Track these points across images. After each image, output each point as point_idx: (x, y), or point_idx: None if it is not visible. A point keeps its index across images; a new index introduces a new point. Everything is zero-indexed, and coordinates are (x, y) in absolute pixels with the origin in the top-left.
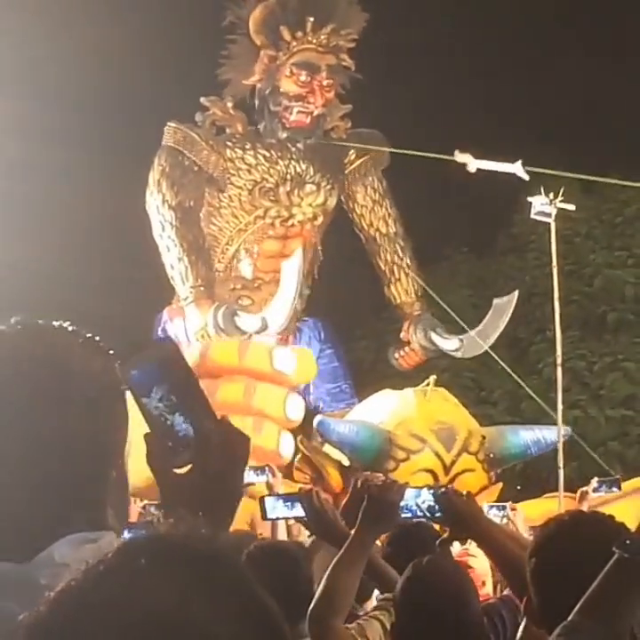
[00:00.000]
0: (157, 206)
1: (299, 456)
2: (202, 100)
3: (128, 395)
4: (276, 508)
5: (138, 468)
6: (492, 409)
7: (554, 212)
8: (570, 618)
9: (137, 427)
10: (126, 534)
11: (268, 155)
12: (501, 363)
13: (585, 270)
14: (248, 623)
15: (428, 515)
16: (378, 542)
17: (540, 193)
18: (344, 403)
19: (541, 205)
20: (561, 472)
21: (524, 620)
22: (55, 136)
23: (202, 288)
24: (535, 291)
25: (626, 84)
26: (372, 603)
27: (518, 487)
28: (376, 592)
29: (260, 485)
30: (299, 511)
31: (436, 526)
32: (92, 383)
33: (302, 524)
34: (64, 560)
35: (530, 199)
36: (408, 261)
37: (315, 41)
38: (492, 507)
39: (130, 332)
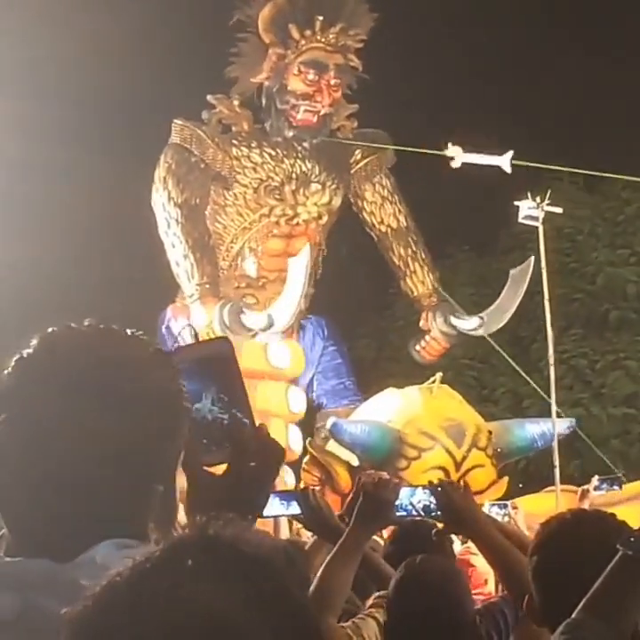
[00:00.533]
0: (163, 203)
1: (307, 457)
2: (208, 97)
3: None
4: (272, 506)
5: None
6: (493, 407)
7: (541, 215)
8: (573, 615)
9: None
10: None
11: (273, 153)
12: (500, 349)
13: (587, 268)
14: (289, 627)
15: (422, 514)
16: (381, 541)
17: (527, 197)
18: (347, 399)
19: (529, 209)
20: (557, 471)
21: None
22: (59, 135)
23: (207, 285)
24: (537, 288)
25: (629, 82)
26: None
27: (520, 485)
28: None
29: None
30: (295, 509)
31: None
32: (157, 394)
33: (299, 521)
34: (105, 562)
35: (517, 203)
36: (422, 254)
37: (323, 40)
38: (493, 505)
39: (138, 326)
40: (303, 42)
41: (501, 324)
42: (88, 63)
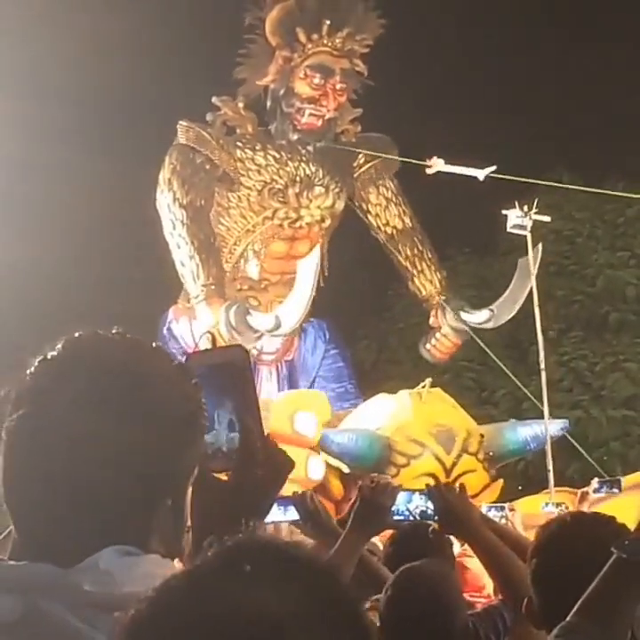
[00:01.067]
0: (168, 204)
1: None
2: (214, 99)
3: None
4: (271, 512)
5: None
6: (493, 409)
7: (529, 224)
8: (568, 619)
9: None
10: None
11: (277, 156)
12: (489, 351)
13: (587, 271)
14: (346, 631)
15: (419, 519)
16: (380, 544)
17: (515, 206)
18: (349, 402)
19: (517, 218)
20: (551, 474)
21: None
22: (61, 135)
23: (213, 286)
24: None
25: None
26: None
27: (520, 487)
28: None
29: None
30: (293, 514)
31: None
32: (175, 409)
33: (297, 527)
34: (108, 568)
35: (505, 212)
36: (428, 254)
37: (330, 44)
38: (490, 508)
39: (134, 332)
40: (310, 45)
41: (512, 314)
42: (91, 64)
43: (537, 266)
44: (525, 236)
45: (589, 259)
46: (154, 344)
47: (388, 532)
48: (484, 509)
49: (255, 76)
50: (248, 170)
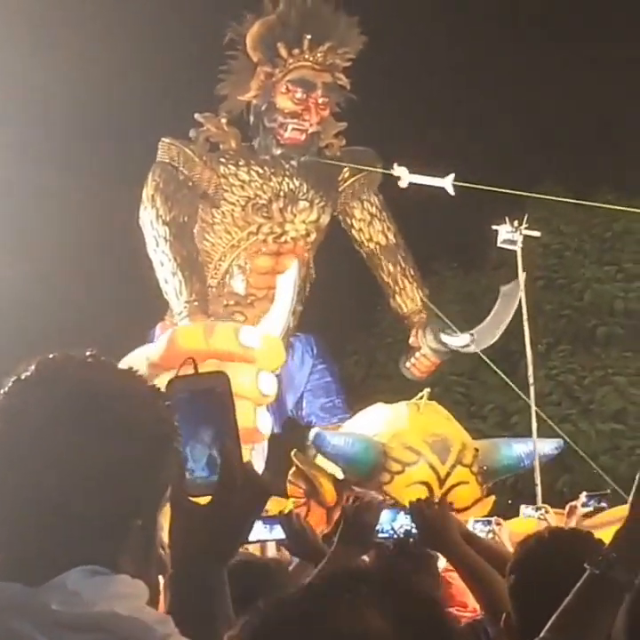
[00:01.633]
0: (151, 221)
1: (292, 469)
2: (196, 116)
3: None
4: (256, 531)
5: None
6: (482, 423)
7: (520, 239)
8: (541, 635)
9: None
10: None
11: (261, 171)
12: (491, 364)
13: (575, 285)
14: None
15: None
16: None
17: (506, 221)
18: (337, 417)
19: (507, 233)
20: (538, 489)
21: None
22: (45, 155)
23: (196, 303)
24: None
25: (620, 102)
26: None
27: (509, 501)
28: None
29: None
30: (279, 533)
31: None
32: (148, 429)
33: (283, 546)
34: (76, 588)
35: (495, 227)
36: (411, 271)
37: (311, 59)
38: (477, 521)
39: (122, 349)
40: (291, 60)
41: (492, 341)
42: (72, 83)
43: (520, 293)
44: (514, 252)
45: (577, 273)
46: (125, 367)
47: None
48: (470, 523)
49: (237, 92)
50: (231, 185)
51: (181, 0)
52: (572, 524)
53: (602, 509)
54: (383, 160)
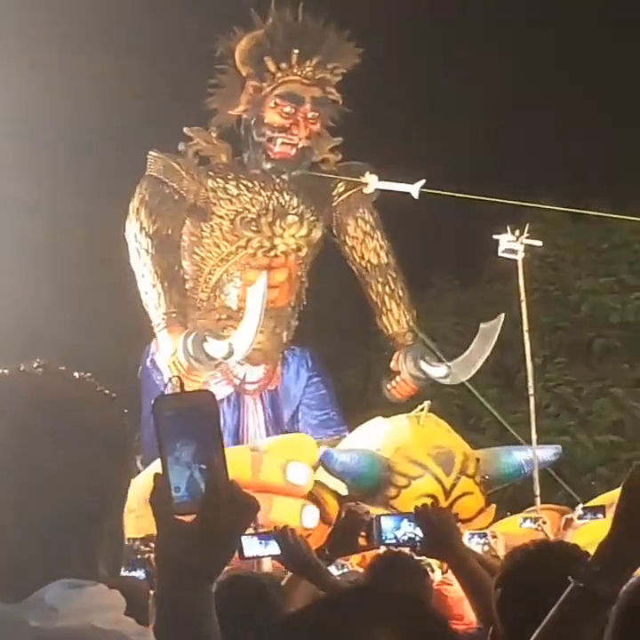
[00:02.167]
0: (135, 234)
1: None
2: (185, 129)
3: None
4: (252, 547)
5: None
6: (479, 435)
7: (521, 248)
8: None
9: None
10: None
11: (250, 185)
12: (477, 394)
13: (571, 297)
14: None
15: (407, 546)
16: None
17: (507, 231)
18: (332, 430)
19: (508, 243)
20: (538, 500)
21: None
22: (34, 169)
23: (174, 314)
24: (521, 318)
25: (616, 114)
26: None
27: (508, 513)
28: None
29: None
30: (274, 549)
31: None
32: (103, 434)
33: (278, 561)
34: (53, 603)
35: (496, 237)
36: (400, 292)
37: (300, 73)
38: (473, 534)
39: (117, 364)
40: (279, 74)
41: (468, 376)
42: (64, 97)
43: (498, 332)
44: (510, 264)
45: (573, 285)
46: (76, 374)
47: (367, 561)
48: (466, 536)
49: (227, 106)
50: (220, 199)
51: (170, 15)
52: (568, 536)
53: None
54: (381, 174)
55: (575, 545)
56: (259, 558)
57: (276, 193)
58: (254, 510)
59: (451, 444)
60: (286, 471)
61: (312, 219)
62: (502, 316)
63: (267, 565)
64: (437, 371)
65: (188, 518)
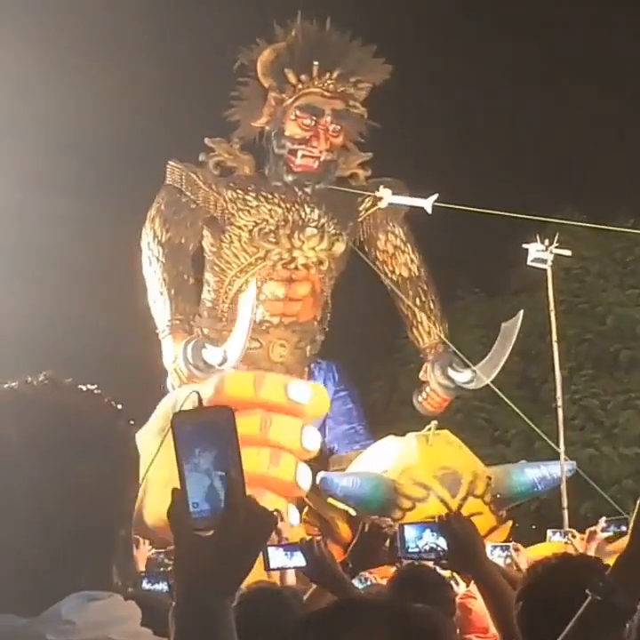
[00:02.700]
0: (148, 242)
1: (305, 509)
2: (206, 140)
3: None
4: (278, 558)
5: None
6: (505, 448)
7: (550, 258)
8: None
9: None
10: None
11: (269, 197)
12: (503, 396)
13: (597, 309)
14: None
15: (429, 557)
16: (382, 582)
17: (536, 240)
18: (359, 444)
19: (537, 252)
20: (565, 512)
21: None
22: (59, 183)
23: (177, 321)
24: (547, 330)
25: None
26: None
27: (533, 526)
28: None
29: None
30: (299, 560)
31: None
32: (113, 447)
33: (303, 573)
34: (70, 617)
35: (525, 246)
36: (431, 304)
37: (321, 85)
38: (495, 547)
39: (137, 375)
40: (300, 86)
41: (491, 378)
42: (87, 110)
43: (517, 330)
44: (538, 274)
45: (599, 297)
46: (83, 387)
47: (390, 574)
48: (488, 549)
49: (250, 118)
50: (239, 210)
51: (193, 27)
52: (592, 549)
53: (622, 534)
54: (411, 190)
55: (597, 558)
56: (284, 569)
57: (296, 205)
58: (272, 525)
59: (460, 464)
60: (288, 389)
61: (334, 232)
62: (521, 312)
63: (291, 577)
64: (463, 376)
65: (206, 533)
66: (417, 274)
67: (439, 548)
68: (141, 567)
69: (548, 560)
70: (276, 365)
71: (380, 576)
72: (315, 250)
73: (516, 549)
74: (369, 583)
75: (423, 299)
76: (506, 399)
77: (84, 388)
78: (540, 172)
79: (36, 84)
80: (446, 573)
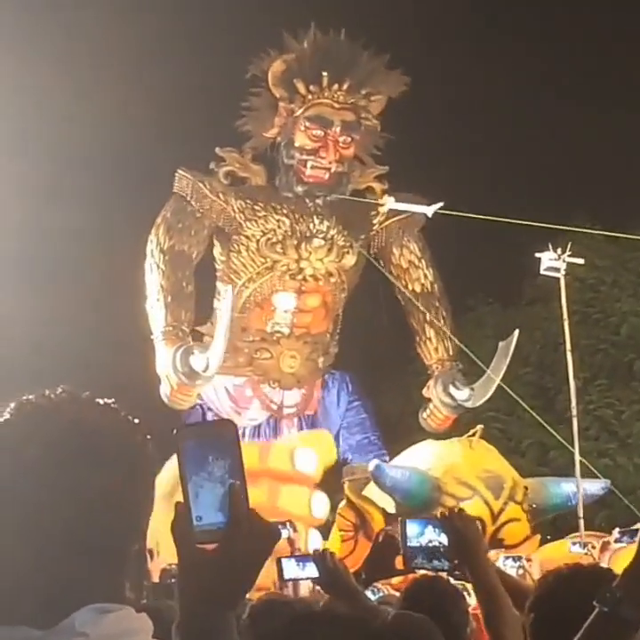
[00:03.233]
0: (151, 250)
1: (343, 502)
2: (217, 150)
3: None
4: (291, 569)
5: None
6: (520, 459)
7: (563, 266)
8: None
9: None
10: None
11: (278, 207)
12: (523, 404)
13: (611, 319)
14: None
15: (431, 558)
16: (395, 593)
17: (549, 248)
18: (372, 454)
19: (550, 261)
20: (581, 522)
21: None
22: (72, 196)
23: (171, 328)
24: (561, 339)
25: None
26: None
27: (548, 537)
28: None
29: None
30: (312, 571)
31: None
32: (129, 461)
33: (316, 583)
34: (83, 629)
35: (538, 255)
36: (441, 321)
37: (331, 97)
38: (507, 557)
39: (141, 386)
40: (310, 97)
41: (488, 396)
42: (101, 124)
43: (512, 349)
44: (552, 284)
45: (613, 307)
46: (100, 401)
47: (404, 584)
48: (501, 559)
49: (262, 129)
50: (247, 219)
51: (206, 37)
52: (606, 559)
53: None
54: (428, 201)
55: (608, 569)
56: (297, 581)
57: (305, 216)
58: (276, 540)
59: (501, 469)
60: (294, 458)
61: (344, 244)
62: (516, 331)
63: (304, 589)
64: (462, 394)
65: (209, 547)
66: (429, 290)
67: (440, 545)
68: (155, 579)
69: (559, 570)
70: (287, 376)
71: (393, 588)
72: (323, 261)
73: (529, 559)
74: (382, 594)
75: (434, 315)
76: (526, 406)
77: (101, 401)
78: (552, 181)
79: (51, 95)
80: (459, 584)
